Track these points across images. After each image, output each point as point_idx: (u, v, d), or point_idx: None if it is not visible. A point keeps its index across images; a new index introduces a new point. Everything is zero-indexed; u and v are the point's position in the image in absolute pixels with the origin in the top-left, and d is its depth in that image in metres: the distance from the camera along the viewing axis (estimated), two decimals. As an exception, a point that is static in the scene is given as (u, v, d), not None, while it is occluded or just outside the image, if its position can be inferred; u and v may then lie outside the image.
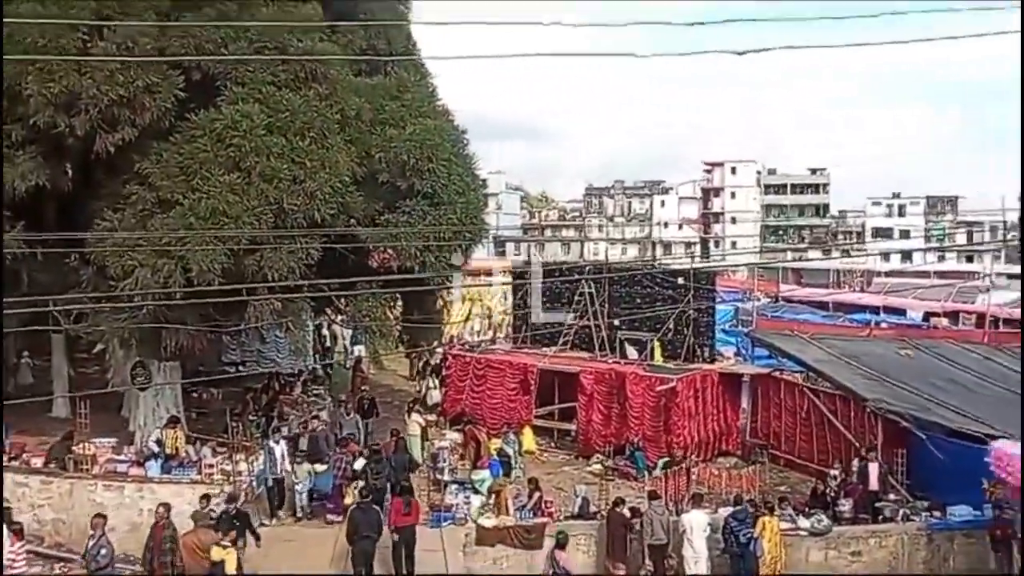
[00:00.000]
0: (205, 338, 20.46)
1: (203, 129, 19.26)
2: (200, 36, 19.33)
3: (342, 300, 25.85)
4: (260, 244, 19.07)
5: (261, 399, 25.92)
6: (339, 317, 30.91)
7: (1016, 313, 42.72)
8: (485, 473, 20.99)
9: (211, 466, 20.31)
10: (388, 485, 19.25)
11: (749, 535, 17.38)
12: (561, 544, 17.05)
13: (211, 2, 20.01)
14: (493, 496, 19.45)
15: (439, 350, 31.63)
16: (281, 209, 19.29)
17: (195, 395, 26.63)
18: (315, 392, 28.50)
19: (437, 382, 30.58)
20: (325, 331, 34.66)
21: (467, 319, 39.60)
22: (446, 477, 21.65)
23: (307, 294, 20.35)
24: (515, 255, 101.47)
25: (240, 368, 29.01)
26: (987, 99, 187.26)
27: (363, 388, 28.61)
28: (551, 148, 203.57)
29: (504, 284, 38.69)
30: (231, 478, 19.49)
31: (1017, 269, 78.79)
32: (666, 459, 24.29)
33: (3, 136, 18.84)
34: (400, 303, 27.56)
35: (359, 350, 32.37)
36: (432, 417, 28.40)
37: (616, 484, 22.76)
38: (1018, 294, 52.30)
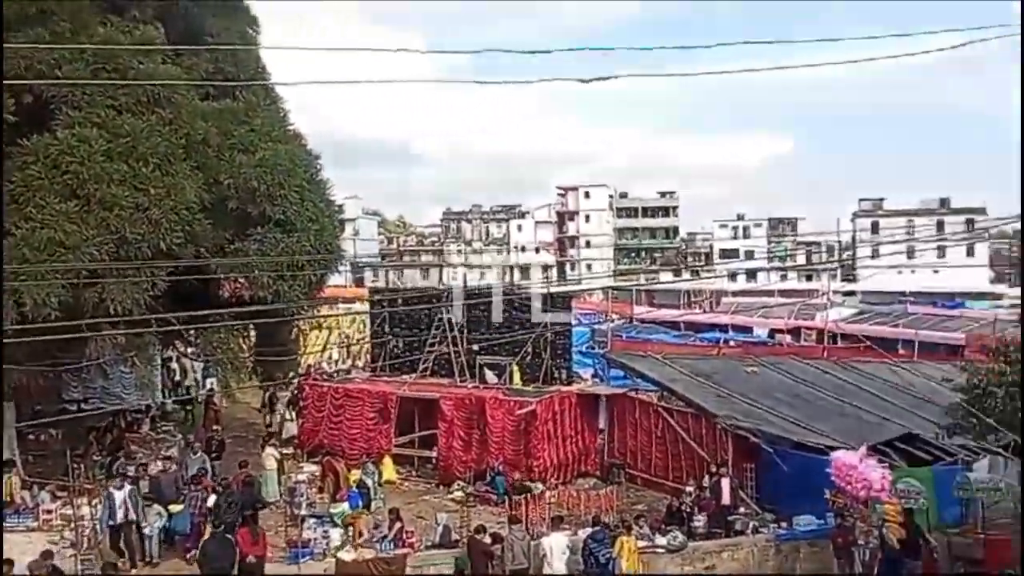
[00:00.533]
0: (42, 376, 19.37)
1: (36, 155, 18.30)
2: (32, 57, 18.39)
3: (191, 332, 24.99)
4: (101, 275, 18.20)
5: (105, 438, 24.67)
6: (189, 350, 29.86)
7: (851, 328, 45.24)
8: (344, 506, 20.61)
9: (50, 512, 19.14)
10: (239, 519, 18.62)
11: (608, 555, 17.63)
12: None
13: (43, 22, 19.10)
14: (349, 528, 19.10)
15: (295, 381, 30.91)
16: (123, 238, 18.52)
17: (32, 437, 25.09)
18: (164, 429, 27.37)
19: (293, 414, 29.88)
20: (175, 364, 33.35)
21: (324, 348, 38.90)
22: (304, 511, 21.09)
23: (154, 329, 19.54)
24: (373, 281, 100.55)
25: (82, 406, 27.48)
26: (827, 123, 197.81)
27: (215, 427, 27.56)
28: (408, 173, 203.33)
29: (360, 312, 38.24)
30: (72, 524, 18.40)
31: (851, 286, 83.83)
32: (528, 483, 24.43)
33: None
34: (253, 333, 26.86)
35: (211, 383, 31.28)
36: (288, 450, 27.71)
37: (477, 510, 22.72)
38: (853, 310, 55.54)
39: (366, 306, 37.66)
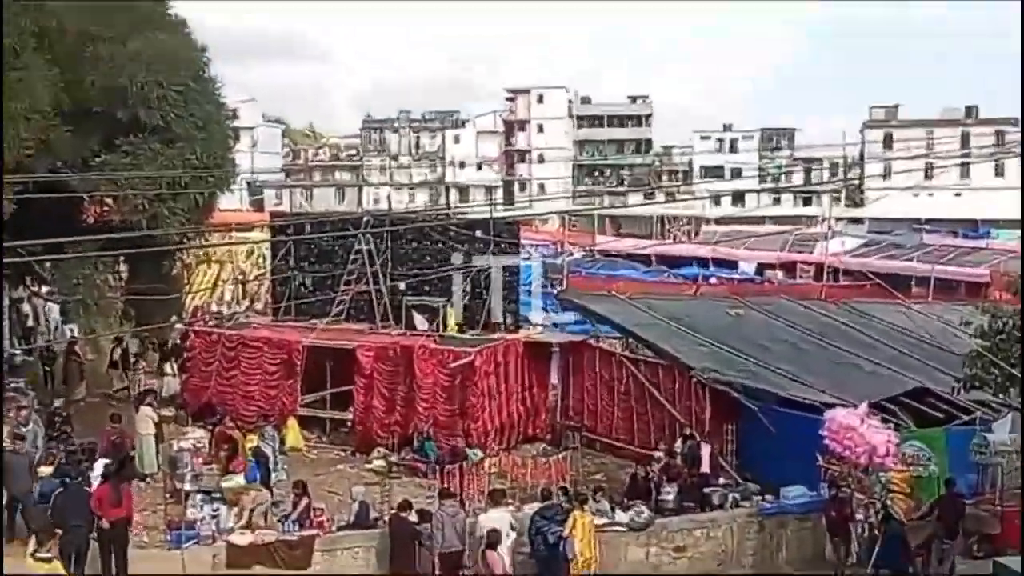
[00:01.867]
0: None
1: None
2: None
3: (46, 266, 24.59)
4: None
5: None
6: (43, 288, 29.38)
7: (856, 263, 46.02)
8: (238, 479, 20.58)
9: None
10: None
11: (558, 534, 17.89)
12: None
13: None
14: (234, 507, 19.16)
15: (177, 326, 30.67)
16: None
17: None
18: (15, 387, 26.94)
19: (175, 367, 29.66)
20: (25, 307, 32.76)
21: (214, 287, 38.52)
22: (188, 486, 21.01)
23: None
24: (275, 204, 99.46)
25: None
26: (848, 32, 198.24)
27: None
28: (319, 72, 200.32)
29: (261, 241, 37.80)
30: None
31: (857, 212, 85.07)
32: (464, 449, 24.65)
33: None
34: (124, 268, 26.49)
35: (70, 330, 30.82)
36: (170, 411, 27.52)
37: (402, 483, 22.89)
38: (858, 241, 56.48)
39: (266, 234, 37.29)
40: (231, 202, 42.18)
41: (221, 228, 36.48)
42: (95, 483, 18.74)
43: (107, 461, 20.04)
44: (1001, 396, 20.51)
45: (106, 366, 30.83)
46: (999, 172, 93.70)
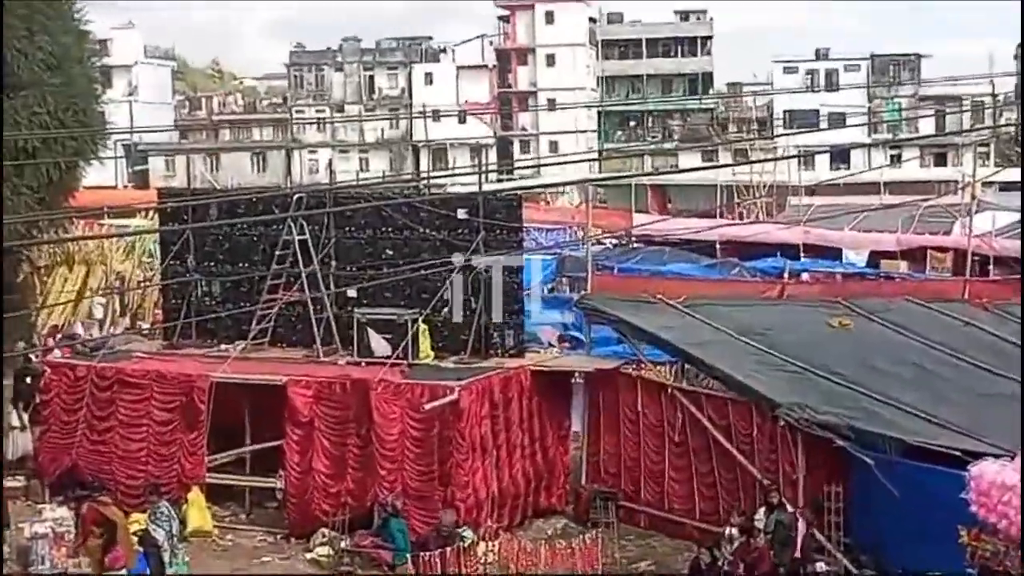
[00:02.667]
0: None
1: None
2: None
3: None
4: None
5: None
6: None
7: (1014, 247, 45.96)
8: (120, 576, 20.61)
9: None
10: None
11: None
12: None
13: None
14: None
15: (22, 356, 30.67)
16: None
17: None
18: None
19: (25, 417, 29.65)
20: None
21: (79, 298, 38.50)
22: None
23: None
24: (167, 176, 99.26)
25: None
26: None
27: None
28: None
29: (145, 231, 37.82)
30: None
31: (1016, 176, 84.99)
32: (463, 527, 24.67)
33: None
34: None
35: None
36: (18, 482, 27.51)
37: (365, 580, 22.96)
38: (1017, 216, 56.35)
39: (153, 221, 37.27)
40: (102, 175, 42.20)
41: (87, 214, 36.51)
42: None
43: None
44: None
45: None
46: None
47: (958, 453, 21.45)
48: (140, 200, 47.02)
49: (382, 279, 29.42)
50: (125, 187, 75.54)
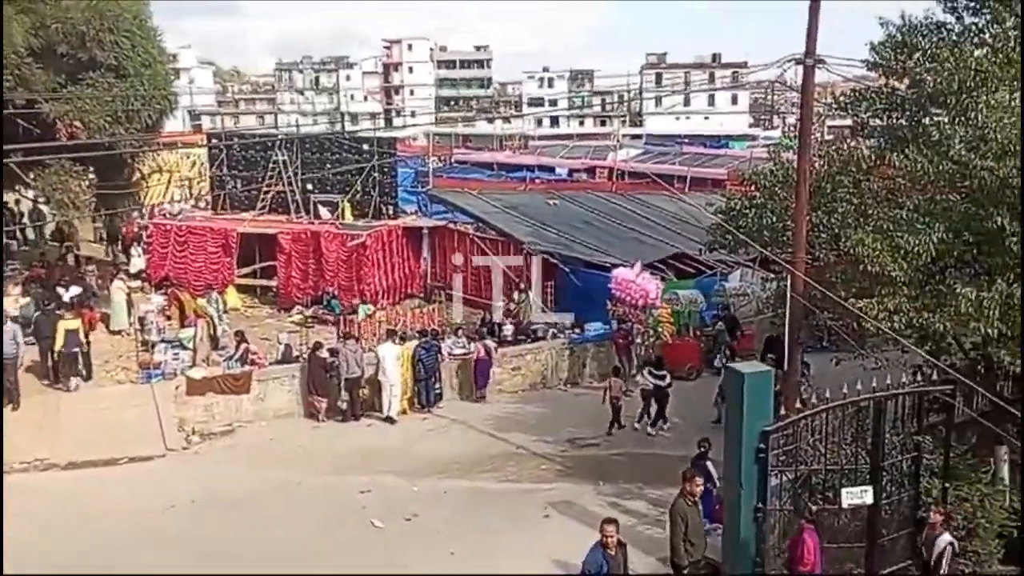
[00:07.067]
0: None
1: None
2: None
3: (30, 174, 22.99)
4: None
5: None
6: (29, 192, 27.46)
7: (637, 166, 46.66)
8: (191, 331, 19.99)
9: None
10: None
11: (433, 362, 18.17)
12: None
13: None
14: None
15: (135, 216, 29.15)
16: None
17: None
18: (13, 268, 25.29)
19: (140, 250, 28.30)
20: (18, 207, 30.57)
21: (166, 189, 36.54)
22: (154, 337, 20.32)
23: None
24: (211, 128, 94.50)
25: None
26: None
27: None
28: (237, 24, 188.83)
29: (200, 147, 35.76)
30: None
31: (637, 130, 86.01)
32: (360, 304, 24.44)
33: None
34: (92, 176, 24.97)
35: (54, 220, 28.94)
36: (137, 283, 26.35)
37: (316, 330, 22.64)
38: (638, 151, 57.17)
39: (204, 149, 35.42)
40: (175, 125, 39.90)
41: (168, 145, 34.63)
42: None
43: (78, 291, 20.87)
44: (733, 255, 21.30)
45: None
46: (734, 101, 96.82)
47: (608, 264, 22.09)
48: (197, 138, 44.38)
49: (326, 179, 28.63)
50: (188, 132, 71.62)
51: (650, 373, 17.32)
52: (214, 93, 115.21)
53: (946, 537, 9.58)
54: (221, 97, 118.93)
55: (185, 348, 19.11)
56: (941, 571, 9.53)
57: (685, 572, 9.97)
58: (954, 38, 11.94)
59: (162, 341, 19.73)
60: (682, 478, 10.55)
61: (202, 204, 34.72)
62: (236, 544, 12.10)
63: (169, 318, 22.15)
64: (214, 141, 32.14)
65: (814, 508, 10.11)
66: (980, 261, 11.36)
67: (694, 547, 10.01)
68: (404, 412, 18.03)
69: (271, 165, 28.53)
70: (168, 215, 30.95)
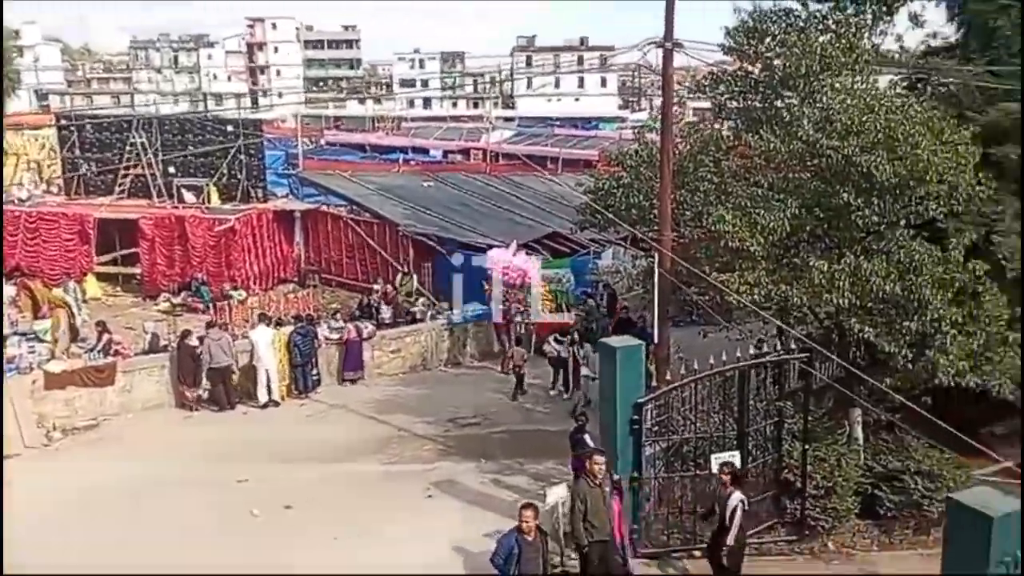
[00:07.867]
0: None
1: None
2: None
3: None
4: None
5: None
6: None
7: (510, 148, 47.09)
8: (47, 322, 18.85)
9: None
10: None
11: (309, 347, 17.85)
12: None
13: None
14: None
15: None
16: None
17: None
18: None
19: (-15, 239, 26.43)
20: None
21: (14, 174, 34.12)
22: (6, 330, 19.00)
23: None
24: (60, 108, 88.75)
25: None
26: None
27: None
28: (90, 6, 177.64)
29: (49, 127, 33.56)
30: None
31: (510, 112, 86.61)
32: (231, 291, 23.71)
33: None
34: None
35: None
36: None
37: (185, 318, 21.81)
38: (511, 132, 57.64)
39: (54, 131, 33.30)
40: (20, 106, 37.21)
41: (12, 127, 32.42)
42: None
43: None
44: (603, 234, 21.82)
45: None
46: (603, 84, 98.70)
47: (483, 245, 22.24)
48: (44, 120, 41.67)
49: (189, 161, 27.50)
50: (35, 113, 66.83)
51: (555, 340, 17.86)
52: (63, 71, 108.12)
53: (737, 495, 9.88)
54: (71, 76, 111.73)
55: (42, 340, 18.03)
56: (731, 528, 9.82)
57: (584, 551, 10.03)
58: (801, 24, 12.58)
59: (15, 334, 18.52)
60: (584, 459, 10.36)
61: (54, 189, 32.69)
62: (103, 545, 11.55)
63: (21, 309, 20.79)
64: (64, 123, 30.32)
65: (616, 477, 10.25)
66: (830, 235, 12.09)
67: (596, 528, 9.84)
68: (282, 399, 17.63)
69: (128, 147, 27.23)
70: (16, 200, 29.00)
